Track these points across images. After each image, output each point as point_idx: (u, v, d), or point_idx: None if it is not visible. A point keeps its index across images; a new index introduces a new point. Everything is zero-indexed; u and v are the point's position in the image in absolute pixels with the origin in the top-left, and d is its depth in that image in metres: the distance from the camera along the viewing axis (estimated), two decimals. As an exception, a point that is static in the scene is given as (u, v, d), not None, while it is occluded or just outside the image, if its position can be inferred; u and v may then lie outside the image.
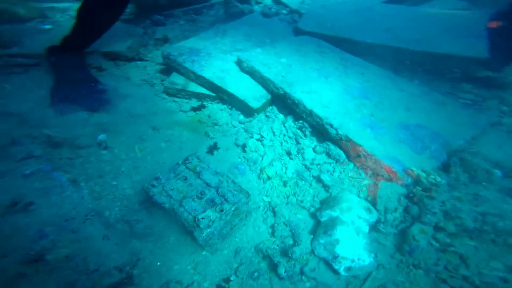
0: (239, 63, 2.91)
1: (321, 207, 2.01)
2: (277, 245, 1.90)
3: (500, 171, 1.99)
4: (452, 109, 2.43)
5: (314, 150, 2.32)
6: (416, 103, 2.47)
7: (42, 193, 1.81)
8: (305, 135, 2.41)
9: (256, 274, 1.79)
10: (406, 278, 1.68)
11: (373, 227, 1.87)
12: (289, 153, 2.37)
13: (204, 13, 4.45)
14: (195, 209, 1.75)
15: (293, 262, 1.80)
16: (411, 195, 1.86)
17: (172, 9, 4.30)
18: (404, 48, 3.08)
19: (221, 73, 2.84)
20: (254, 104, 2.60)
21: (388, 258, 1.77)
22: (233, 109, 2.81)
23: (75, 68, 2.99)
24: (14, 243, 1.57)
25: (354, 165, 2.19)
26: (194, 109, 2.83)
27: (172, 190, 1.85)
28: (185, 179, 1.91)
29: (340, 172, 2.19)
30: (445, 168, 2.06)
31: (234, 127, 2.68)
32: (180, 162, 2.02)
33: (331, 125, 2.21)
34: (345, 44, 3.20)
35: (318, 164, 2.23)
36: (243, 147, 2.46)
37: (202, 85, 2.89)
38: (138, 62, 3.39)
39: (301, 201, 2.10)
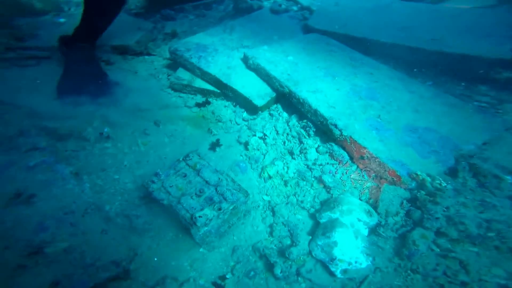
0: (245, 60, 2.88)
1: (321, 208, 1.98)
2: (275, 245, 1.89)
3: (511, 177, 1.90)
4: (465, 112, 2.33)
5: (317, 150, 2.28)
6: (426, 105, 2.38)
7: (44, 185, 1.84)
8: (308, 135, 2.36)
9: (252, 273, 1.79)
10: (403, 283, 1.65)
11: (373, 230, 1.83)
12: (291, 153, 2.34)
13: (214, 8, 4.44)
14: (193, 207, 1.75)
15: (290, 262, 1.79)
16: (415, 199, 1.81)
17: (183, 3, 4.29)
18: (419, 47, 2.96)
19: (227, 70, 2.82)
20: (259, 102, 2.57)
21: (386, 262, 1.74)
22: (237, 106, 2.79)
23: (85, 61, 3.03)
24: (16, 235, 1.61)
25: (357, 167, 2.14)
26: (198, 105, 2.83)
27: (171, 186, 1.85)
28: (185, 176, 1.91)
29: (343, 174, 2.14)
30: (452, 173, 1.99)
31: (238, 124, 2.67)
32: (180, 159, 2.02)
33: (335, 126, 2.17)
34: (357, 43, 3.11)
35: (321, 164, 2.19)
36: (246, 144, 2.44)
37: (207, 81, 2.88)
38: (146, 57, 3.42)
39: (301, 202, 2.07)
